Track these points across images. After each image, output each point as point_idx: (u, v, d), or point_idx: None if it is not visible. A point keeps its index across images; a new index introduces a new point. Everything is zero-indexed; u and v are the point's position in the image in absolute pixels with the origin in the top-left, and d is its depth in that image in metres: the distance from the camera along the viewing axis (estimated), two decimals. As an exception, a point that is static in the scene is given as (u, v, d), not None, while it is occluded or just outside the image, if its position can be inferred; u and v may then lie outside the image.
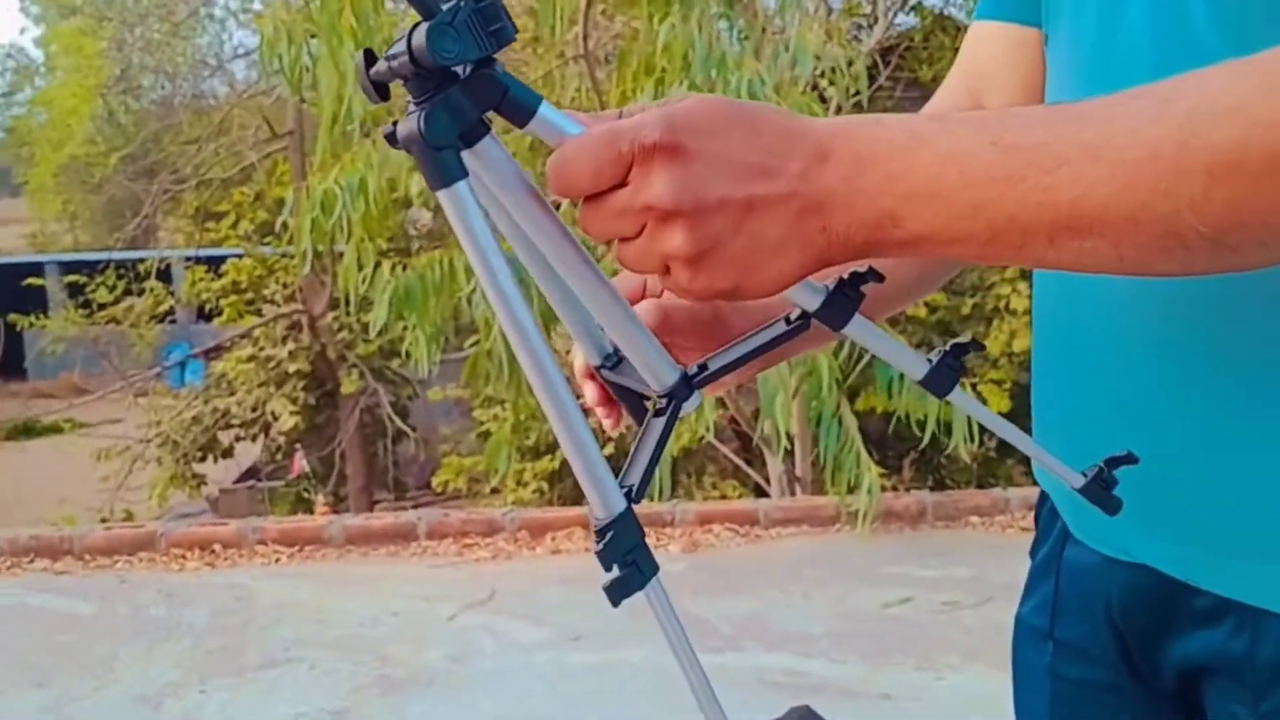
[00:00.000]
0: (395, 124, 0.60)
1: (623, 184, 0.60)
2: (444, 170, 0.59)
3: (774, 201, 0.60)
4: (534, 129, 0.62)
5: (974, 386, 7.99)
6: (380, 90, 0.61)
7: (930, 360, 0.76)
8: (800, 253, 0.61)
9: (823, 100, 5.75)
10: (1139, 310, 0.81)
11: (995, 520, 5.03)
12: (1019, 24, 0.96)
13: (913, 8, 9.23)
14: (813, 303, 0.69)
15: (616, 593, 0.63)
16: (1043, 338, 0.95)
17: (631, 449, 0.70)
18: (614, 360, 0.78)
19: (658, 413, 0.72)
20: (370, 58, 0.60)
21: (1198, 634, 0.83)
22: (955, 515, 5.08)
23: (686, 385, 0.72)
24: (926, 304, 8.33)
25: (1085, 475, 0.82)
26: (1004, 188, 0.59)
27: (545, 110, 0.62)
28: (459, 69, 0.59)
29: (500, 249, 0.61)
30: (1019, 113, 0.63)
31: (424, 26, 0.57)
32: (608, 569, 0.63)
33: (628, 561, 0.63)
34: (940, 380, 0.75)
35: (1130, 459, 0.80)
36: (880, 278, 0.68)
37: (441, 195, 0.60)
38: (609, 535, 0.63)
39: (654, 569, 0.64)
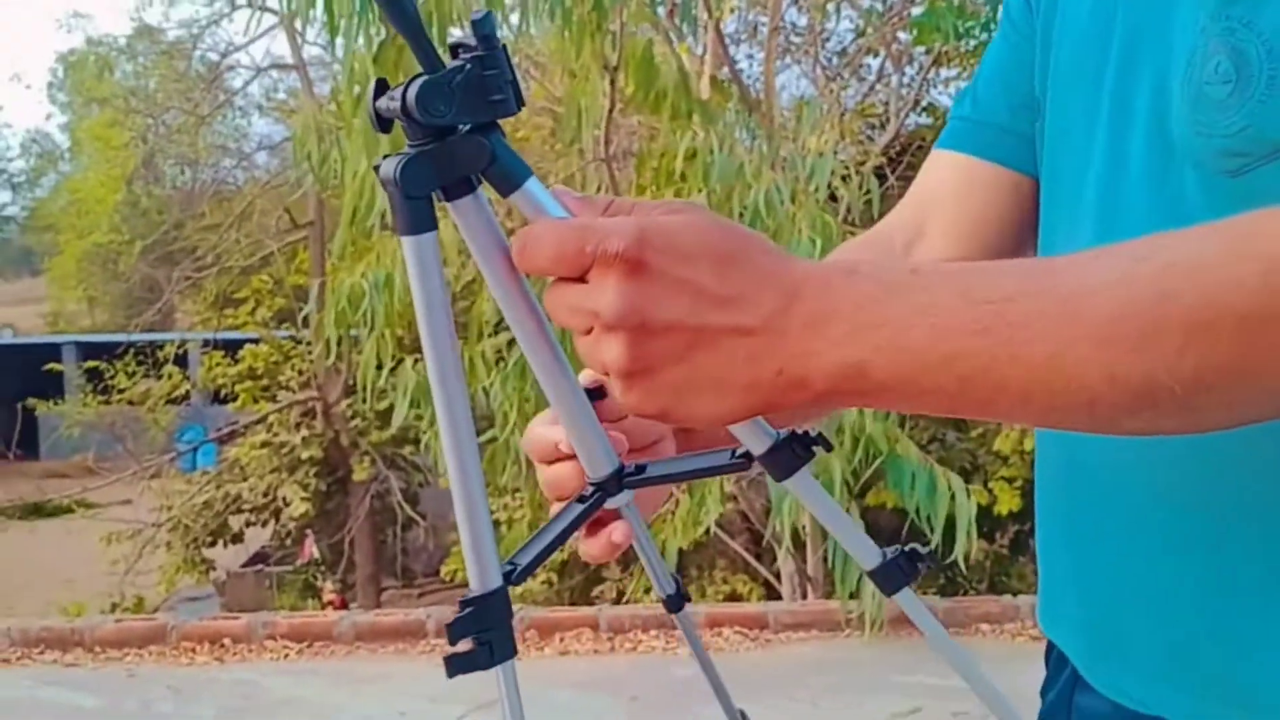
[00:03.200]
0: (385, 158, 0.61)
1: (582, 280, 0.60)
2: (410, 218, 0.60)
3: (728, 334, 0.59)
4: (516, 201, 0.62)
5: (985, 484, 8.01)
6: (382, 123, 0.61)
7: (886, 555, 0.74)
8: (747, 393, 0.60)
9: (833, 199, 5.86)
10: (1142, 457, 0.83)
11: (1005, 628, 5.01)
12: (979, 158, 0.98)
13: (925, 108, 9.42)
14: (759, 446, 0.69)
15: (456, 666, 0.61)
16: (1044, 477, 0.95)
17: (540, 528, 0.70)
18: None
19: (580, 499, 0.72)
20: (381, 87, 0.61)
21: None
22: (966, 622, 5.06)
23: (618, 481, 0.71)
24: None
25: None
26: (975, 341, 0.58)
27: (532, 185, 0.62)
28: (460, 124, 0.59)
29: (448, 307, 0.62)
30: (989, 266, 0.63)
31: (421, 80, 0.58)
32: (453, 642, 0.62)
33: (482, 641, 0.62)
34: (888, 576, 0.75)
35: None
36: (830, 447, 0.68)
37: (405, 242, 0.61)
38: (469, 610, 0.62)
39: (510, 654, 0.63)
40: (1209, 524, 0.80)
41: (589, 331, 0.61)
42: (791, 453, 0.69)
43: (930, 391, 0.60)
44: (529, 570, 0.67)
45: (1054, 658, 1.02)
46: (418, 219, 0.60)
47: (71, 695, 4.62)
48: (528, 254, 0.61)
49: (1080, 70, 0.88)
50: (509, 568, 0.65)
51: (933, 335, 0.59)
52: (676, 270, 0.59)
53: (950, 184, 1.00)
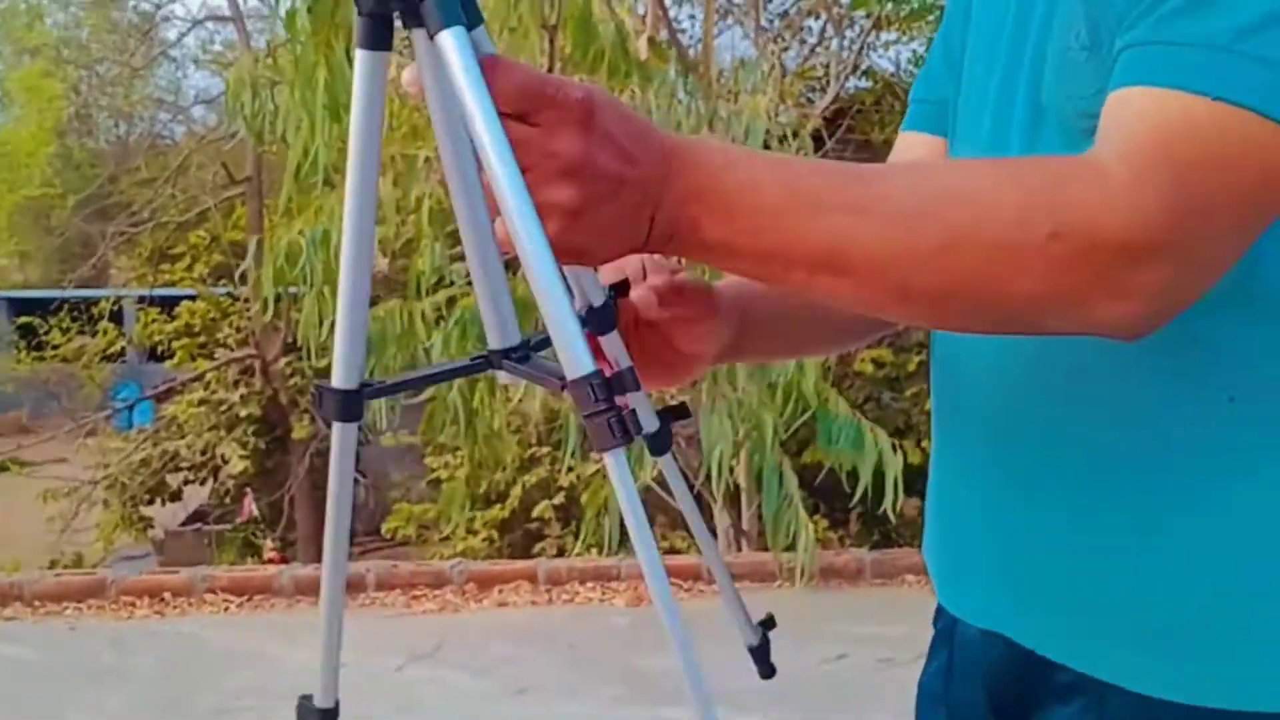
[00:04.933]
0: None
1: (528, 121, 0.67)
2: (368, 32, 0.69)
3: (634, 185, 0.68)
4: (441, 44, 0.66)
5: (918, 443, 8.17)
6: None
7: (660, 420, 0.91)
8: (632, 235, 0.71)
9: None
10: (991, 390, 0.91)
11: (929, 579, 5.17)
12: (933, 135, 1.05)
13: (864, 72, 9.50)
14: (599, 298, 0.85)
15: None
16: (934, 408, 1.04)
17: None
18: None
19: (472, 360, 0.88)
20: None
21: (1057, 709, 0.90)
22: (892, 573, 5.22)
23: (502, 357, 0.83)
24: (873, 360, 8.50)
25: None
26: (778, 221, 0.70)
27: (480, 33, 0.68)
28: None
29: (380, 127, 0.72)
30: (815, 164, 0.75)
31: None
32: None
33: None
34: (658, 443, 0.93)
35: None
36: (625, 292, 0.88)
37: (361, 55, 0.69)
38: None
39: None
40: (1030, 454, 0.89)
41: (527, 170, 0.67)
42: (614, 301, 0.87)
43: (743, 255, 0.72)
44: (389, 390, 0.87)
45: None
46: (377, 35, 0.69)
47: (12, 649, 4.64)
48: (502, 70, 0.67)
49: (982, 36, 0.95)
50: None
51: (750, 210, 0.70)
52: (610, 126, 0.68)
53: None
